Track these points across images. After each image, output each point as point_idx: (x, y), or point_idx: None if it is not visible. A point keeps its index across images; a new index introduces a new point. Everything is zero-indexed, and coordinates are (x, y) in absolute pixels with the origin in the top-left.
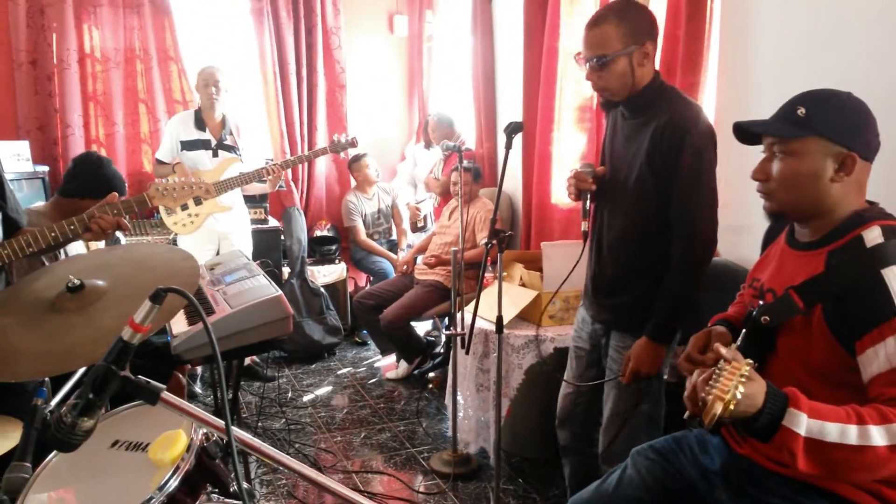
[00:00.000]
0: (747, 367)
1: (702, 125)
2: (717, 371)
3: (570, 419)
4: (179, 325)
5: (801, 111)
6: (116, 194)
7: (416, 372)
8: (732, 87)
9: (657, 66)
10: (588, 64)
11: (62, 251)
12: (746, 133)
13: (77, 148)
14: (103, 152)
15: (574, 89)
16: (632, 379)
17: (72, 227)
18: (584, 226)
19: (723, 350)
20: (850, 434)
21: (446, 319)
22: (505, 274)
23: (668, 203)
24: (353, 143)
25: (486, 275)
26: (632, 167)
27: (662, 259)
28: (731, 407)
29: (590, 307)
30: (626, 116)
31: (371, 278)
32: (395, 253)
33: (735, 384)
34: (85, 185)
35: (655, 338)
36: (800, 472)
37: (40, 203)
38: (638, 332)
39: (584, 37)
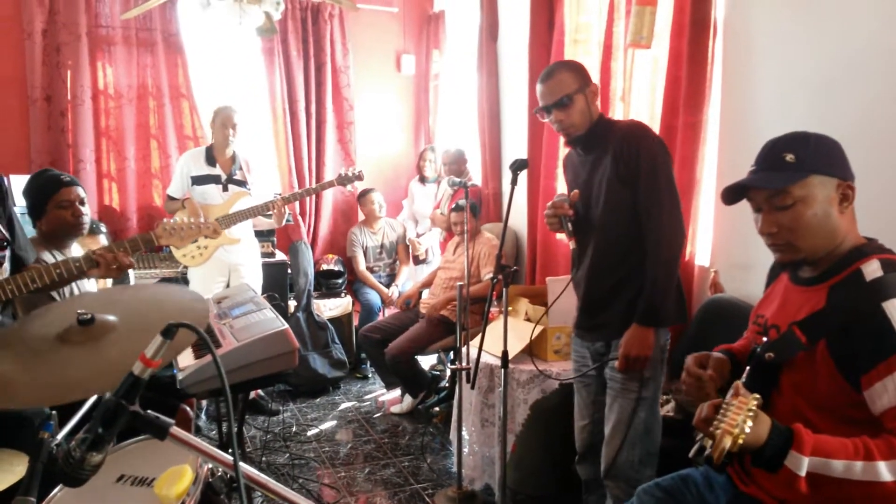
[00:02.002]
0: (755, 402)
1: (652, 136)
2: (724, 405)
3: (590, 452)
4: (186, 358)
5: (790, 157)
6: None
7: (420, 406)
8: (735, 127)
9: (660, 106)
10: (553, 110)
11: (74, 287)
12: (733, 193)
13: (89, 182)
14: (114, 187)
15: None
16: (625, 364)
17: (77, 265)
18: (573, 244)
19: (741, 388)
20: (855, 470)
21: (451, 354)
22: (510, 309)
23: (637, 210)
24: (359, 177)
25: (491, 309)
26: (601, 188)
27: (642, 264)
28: (740, 441)
29: (586, 332)
30: (582, 155)
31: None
32: (391, 285)
33: (743, 418)
34: (40, 195)
35: (642, 321)
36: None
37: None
38: None
39: (541, 91)
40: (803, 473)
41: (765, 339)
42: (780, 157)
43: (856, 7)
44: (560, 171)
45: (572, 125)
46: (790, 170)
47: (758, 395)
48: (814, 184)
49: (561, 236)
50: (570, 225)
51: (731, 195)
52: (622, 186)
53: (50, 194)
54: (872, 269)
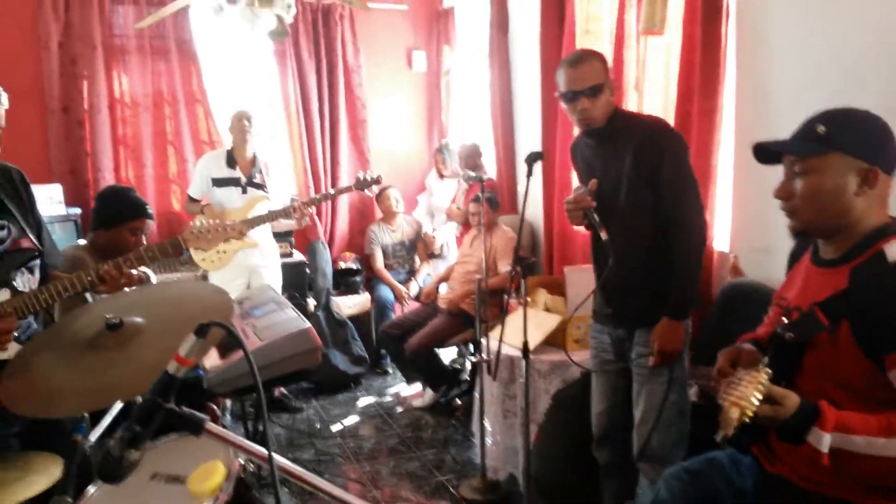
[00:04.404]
0: (765, 376)
1: (673, 132)
2: (737, 380)
3: (609, 436)
4: (211, 359)
5: (821, 129)
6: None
7: (442, 400)
8: (750, 112)
9: (674, 93)
10: (581, 97)
11: None
12: (766, 153)
13: None
14: None
15: None
16: (659, 360)
17: (89, 279)
18: (604, 235)
19: (746, 352)
20: (877, 445)
21: (471, 346)
22: (529, 300)
23: (659, 205)
24: (377, 181)
25: (510, 301)
26: (620, 185)
27: (666, 255)
28: (749, 413)
29: (609, 318)
30: (595, 145)
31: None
32: (411, 281)
33: (751, 391)
34: (125, 212)
35: (674, 315)
36: (836, 483)
37: (79, 241)
38: None
39: (569, 75)
40: (825, 450)
41: (786, 320)
42: (813, 126)
43: None
44: None
45: (594, 117)
46: (816, 141)
47: (769, 370)
48: (834, 160)
49: (579, 228)
50: (596, 216)
51: (762, 155)
52: (645, 186)
53: (133, 217)
54: (895, 250)
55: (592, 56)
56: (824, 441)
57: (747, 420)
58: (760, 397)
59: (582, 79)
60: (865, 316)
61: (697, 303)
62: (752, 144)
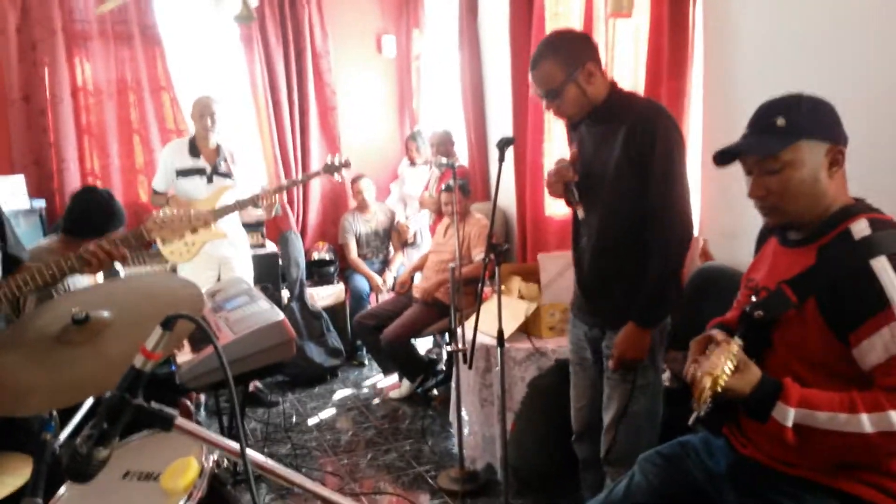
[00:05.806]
0: (736, 346)
1: (668, 120)
2: (707, 351)
3: (588, 433)
4: (183, 353)
5: (781, 121)
6: None
7: (419, 390)
8: (718, 92)
9: (643, 74)
10: (545, 98)
11: (68, 283)
12: (724, 156)
13: (73, 181)
14: (99, 185)
15: None
16: (618, 366)
17: (69, 264)
18: (580, 212)
19: (718, 335)
20: (838, 421)
21: (447, 336)
22: (503, 287)
23: (645, 197)
24: (346, 164)
25: (484, 289)
26: (607, 168)
27: (645, 253)
28: (721, 382)
29: (584, 314)
30: (592, 126)
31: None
32: (386, 270)
33: (724, 360)
34: (95, 226)
35: (639, 322)
36: (803, 462)
37: (47, 240)
38: None
39: (531, 77)
40: (790, 424)
41: (754, 299)
42: (770, 121)
43: None
44: (546, 146)
45: (567, 114)
46: (780, 134)
47: (740, 341)
48: (803, 148)
49: (554, 203)
50: (576, 191)
51: (723, 158)
52: (632, 172)
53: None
54: (861, 228)
55: (548, 57)
56: (789, 416)
57: (720, 389)
58: (732, 366)
59: (538, 82)
60: (832, 292)
61: (675, 307)
62: (713, 154)
